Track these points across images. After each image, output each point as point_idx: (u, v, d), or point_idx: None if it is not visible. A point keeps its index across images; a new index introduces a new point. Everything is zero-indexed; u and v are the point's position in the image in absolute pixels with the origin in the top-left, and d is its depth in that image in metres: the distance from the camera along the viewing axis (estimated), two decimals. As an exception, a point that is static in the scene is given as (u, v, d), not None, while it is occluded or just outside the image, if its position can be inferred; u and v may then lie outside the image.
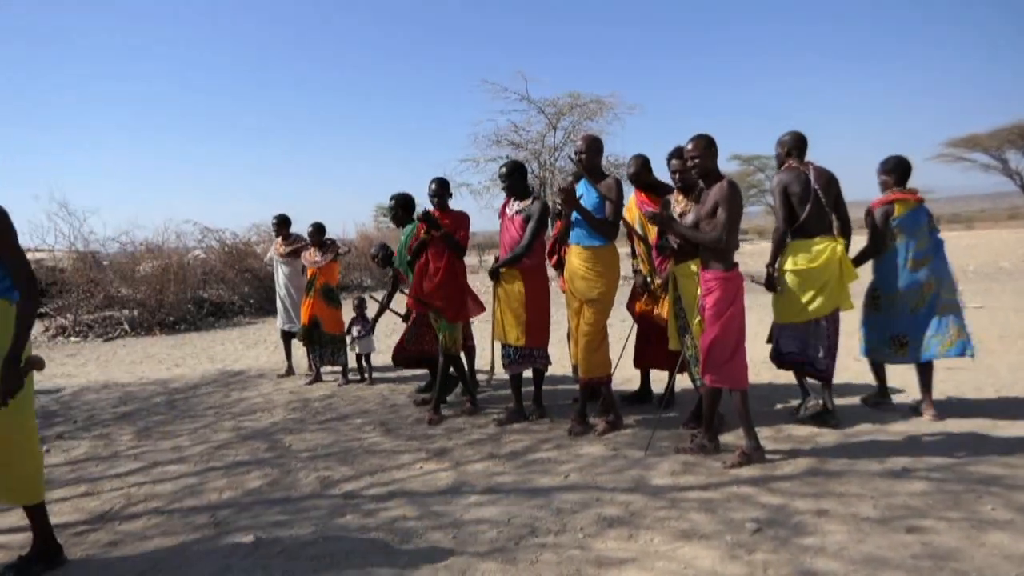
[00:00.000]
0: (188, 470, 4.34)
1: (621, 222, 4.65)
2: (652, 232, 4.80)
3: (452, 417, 5.25)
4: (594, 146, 4.60)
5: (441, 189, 5.24)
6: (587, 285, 4.49)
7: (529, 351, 4.90)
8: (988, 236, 26.75)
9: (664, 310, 4.77)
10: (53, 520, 3.61)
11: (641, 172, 4.96)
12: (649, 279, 4.90)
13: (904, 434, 4.26)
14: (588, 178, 4.53)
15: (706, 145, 3.89)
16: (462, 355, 5.53)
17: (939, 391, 5.16)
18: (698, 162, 3.90)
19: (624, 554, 2.90)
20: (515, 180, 4.95)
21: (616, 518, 3.25)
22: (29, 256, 12.62)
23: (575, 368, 4.85)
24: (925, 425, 4.41)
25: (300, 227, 7.32)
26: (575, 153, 4.61)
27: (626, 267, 5.65)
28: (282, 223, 7.34)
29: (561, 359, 6.60)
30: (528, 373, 5.12)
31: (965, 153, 39.62)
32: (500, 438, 4.65)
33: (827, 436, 4.29)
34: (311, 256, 6.80)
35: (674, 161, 4.44)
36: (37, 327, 12.46)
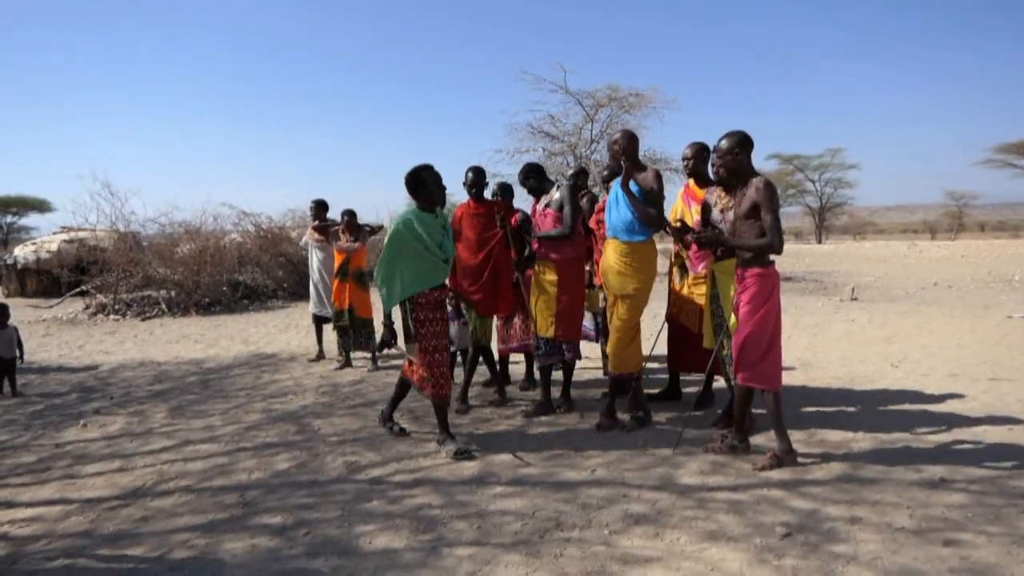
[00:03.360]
0: (219, 450, 4.41)
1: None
2: (689, 220, 4.74)
3: (479, 407, 5.24)
4: (633, 139, 4.53)
5: (478, 179, 5.24)
6: (622, 280, 4.43)
7: (559, 343, 4.87)
8: (1036, 244, 25.92)
9: (690, 289, 4.79)
10: (86, 494, 3.71)
11: (696, 160, 4.85)
12: (687, 265, 4.85)
13: (941, 443, 4.14)
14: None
15: (738, 142, 3.82)
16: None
17: (980, 402, 5.02)
18: (729, 159, 3.84)
19: (650, 552, 2.87)
20: (533, 181, 4.99)
21: (642, 516, 3.22)
22: (72, 235, 12.94)
23: (606, 363, 4.82)
24: (964, 434, 4.28)
25: (335, 213, 7.42)
26: (612, 144, 4.53)
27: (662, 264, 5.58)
28: (320, 207, 7.45)
29: (590, 353, 6.56)
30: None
31: (1014, 159, 38.42)
32: (527, 430, 4.64)
33: (862, 442, 4.19)
34: (343, 241, 6.87)
35: (715, 156, 4.37)
36: (78, 304, 12.80)
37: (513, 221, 5.24)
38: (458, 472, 3.86)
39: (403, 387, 4.54)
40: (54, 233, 16.91)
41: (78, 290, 13.28)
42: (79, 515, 3.43)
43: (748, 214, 3.75)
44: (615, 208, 4.47)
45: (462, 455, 4.08)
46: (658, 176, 4.43)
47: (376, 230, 7.30)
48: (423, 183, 4.21)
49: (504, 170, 17.27)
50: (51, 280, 15.29)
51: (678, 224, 4.54)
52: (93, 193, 14.00)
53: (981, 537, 2.93)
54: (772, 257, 3.80)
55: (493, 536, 3.06)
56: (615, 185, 4.49)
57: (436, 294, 4.23)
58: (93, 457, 4.35)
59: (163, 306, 12.32)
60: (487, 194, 5.48)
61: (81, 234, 15.16)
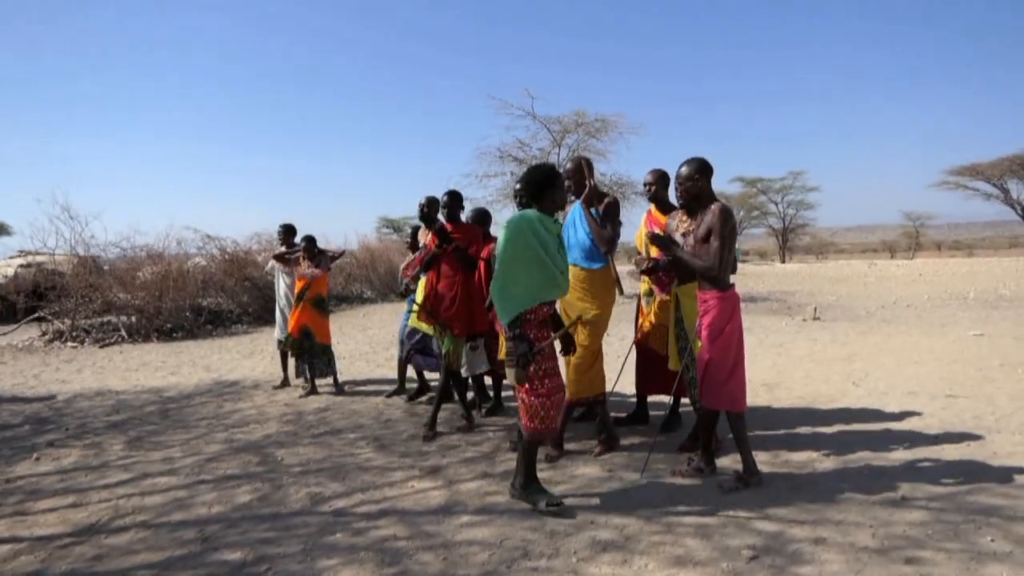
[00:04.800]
0: (178, 483, 4.29)
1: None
2: (654, 251, 4.78)
3: (447, 434, 5.19)
4: (591, 165, 4.62)
5: (452, 202, 5.25)
6: (582, 307, 4.46)
7: None
8: (988, 263, 26.73)
9: (657, 313, 4.80)
10: (37, 531, 3.57)
11: (658, 187, 4.89)
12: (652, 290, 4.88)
13: (903, 461, 4.21)
14: (583, 202, 4.52)
15: (698, 168, 3.91)
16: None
17: (938, 419, 5.12)
18: (689, 185, 3.93)
19: (617, 580, 2.85)
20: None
21: (610, 542, 3.20)
22: (29, 259, 12.56)
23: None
24: (923, 452, 4.36)
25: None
26: (566, 178, 4.57)
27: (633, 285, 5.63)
28: (288, 232, 7.39)
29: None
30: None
31: (967, 182, 39.73)
32: (494, 456, 4.60)
33: (825, 462, 4.24)
34: (304, 268, 6.80)
35: (676, 182, 4.44)
36: (34, 331, 12.43)
37: (486, 252, 5.22)
38: (424, 502, 3.81)
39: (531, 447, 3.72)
40: (11, 257, 16.45)
41: (34, 316, 12.91)
42: (29, 554, 3.30)
43: (705, 238, 3.82)
44: (572, 232, 4.51)
45: (553, 506, 3.54)
46: (616, 203, 4.50)
47: (338, 255, 7.25)
48: (554, 186, 3.68)
49: (473, 194, 17.32)
50: (6, 306, 14.83)
51: (647, 261, 4.57)
52: (52, 217, 13.66)
53: (941, 554, 2.97)
54: (732, 280, 3.87)
55: (460, 567, 3.01)
56: (574, 208, 4.53)
57: (546, 309, 3.71)
58: (46, 492, 4.20)
59: (123, 332, 12.03)
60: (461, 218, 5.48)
61: (39, 258, 14.77)
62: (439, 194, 5.31)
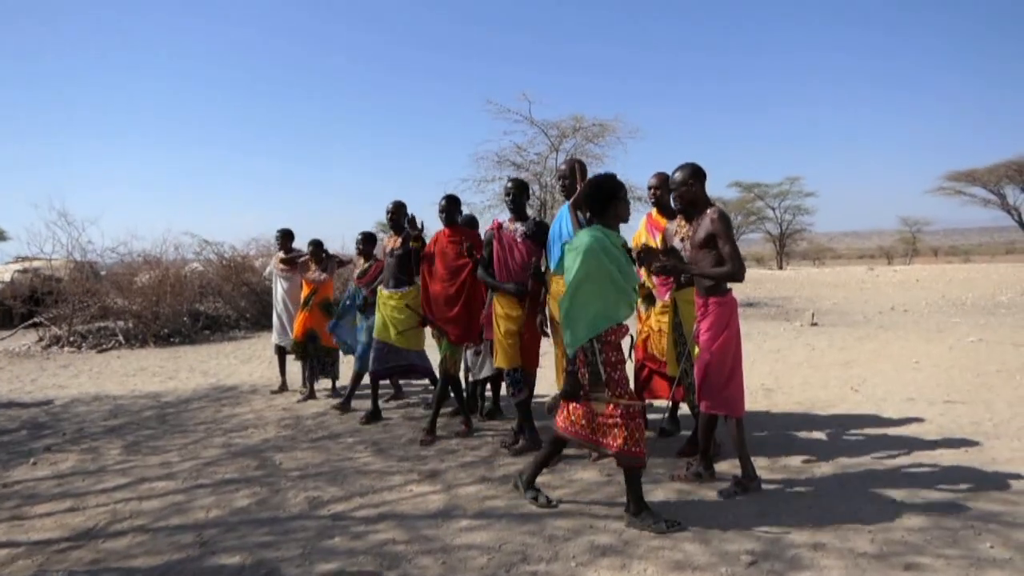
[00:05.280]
0: (176, 487, 4.28)
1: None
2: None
3: (445, 438, 5.19)
4: (584, 167, 4.62)
5: (451, 206, 5.26)
6: None
7: (524, 373, 4.80)
8: (985, 269, 26.80)
9: (656, 318, 4.79)
10: (34, 536, 3.56)
11: (662, 190, 4.87)
12: (653, 294, 4.88)
13: (900, 466, 4.21)
14: (571, 205, 4.50)
15: (691, 174, 3.94)
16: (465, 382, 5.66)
17: (936, 425, 5.13)
18: (683, 191, 3.95)
19: (616, 585, 2.85)
20: (524, 199, 4.92)
21: (609, 547, 3.20)
22: (25, 265, 12.54)
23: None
24: (922, 457, 4.37)
25: (300, 243, 7.39)
26: (559, 179, 4.62)
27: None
28: (286, 236, 7.41)
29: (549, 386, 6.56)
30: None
31: (964, 187, 39.83)
32: (493, 460, 4.60)
33: (824, 467, 4.24)
34: (312, 273, 6.83)
35: (671, 188, 4.44)
36: (31, 336, 12.41)
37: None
38: (423, 506, 3.81)
39: (557, 446, 3.78)
40: (7, 263, 16.43)
41: (32, 322, 12.88)
42: (26, 559, 3.29)
43: (703, 243, 3.83)
44: (558, 235, 4.43)
45: (675, 527, 3.35)
46: None
47: (345, 262, 7.27)
48: (618, 198, 3.52)
49: (470, 199, 17.32)
50: (3, 311, 14.80)
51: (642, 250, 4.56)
52: (49, 222, 13.67)
53: (940, 560, 2.97)
54: (730, 284, 3.87)
55: (458, 571, 3.01)
56: (561, 210, 4.50)
57: (625, 328, 3.54)
58: (43, 497, 4.18)
59: (120, 338, 12.02)
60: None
61: (36, 264, 14.75)
62: (437, 198, 5.32)
